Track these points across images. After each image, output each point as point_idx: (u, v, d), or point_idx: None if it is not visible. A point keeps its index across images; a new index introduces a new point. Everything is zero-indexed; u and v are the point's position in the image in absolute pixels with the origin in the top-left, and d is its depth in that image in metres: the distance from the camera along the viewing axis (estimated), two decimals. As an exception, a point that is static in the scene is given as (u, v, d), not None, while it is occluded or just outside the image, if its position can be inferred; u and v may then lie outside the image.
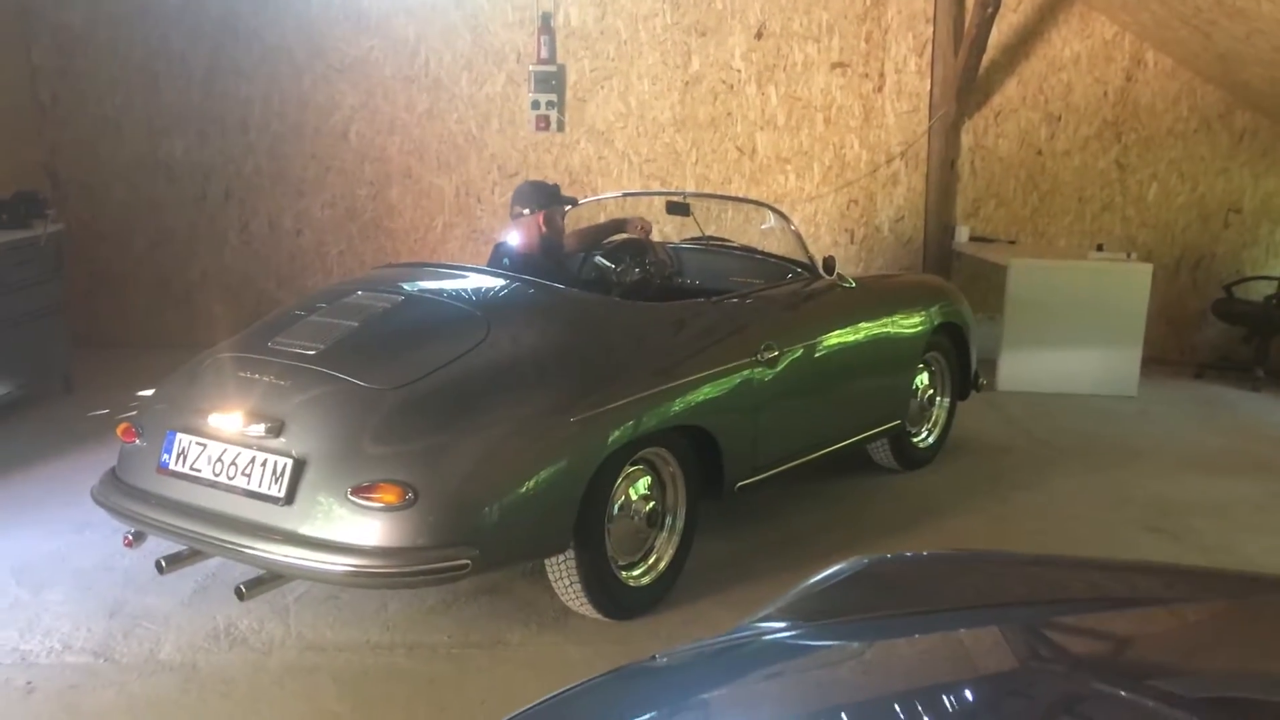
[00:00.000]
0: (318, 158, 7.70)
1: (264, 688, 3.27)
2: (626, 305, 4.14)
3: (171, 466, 3.43)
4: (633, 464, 3.67)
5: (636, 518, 3.73)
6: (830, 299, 4.73)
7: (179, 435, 3.45)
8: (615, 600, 3.64)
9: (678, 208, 5.28)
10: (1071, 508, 4.89)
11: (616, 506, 3.63)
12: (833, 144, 7.83)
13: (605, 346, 3.79)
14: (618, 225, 5.01)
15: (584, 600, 3.57)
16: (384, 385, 3.35)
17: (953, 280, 7.85)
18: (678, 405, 3.72)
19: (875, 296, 5.00)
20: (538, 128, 7.67)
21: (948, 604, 2.06)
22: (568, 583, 3.54)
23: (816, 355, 4.44)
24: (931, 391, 5.38)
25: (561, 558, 3.49)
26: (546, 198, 4.54)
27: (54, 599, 3.77)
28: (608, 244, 4.92)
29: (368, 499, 3.08)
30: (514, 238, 4.54)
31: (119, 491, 3.52)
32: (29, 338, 5.89)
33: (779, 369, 4.17)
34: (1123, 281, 6.86)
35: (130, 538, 3.52)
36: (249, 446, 3.29)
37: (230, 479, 3.29)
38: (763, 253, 5.20)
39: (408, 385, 3.35)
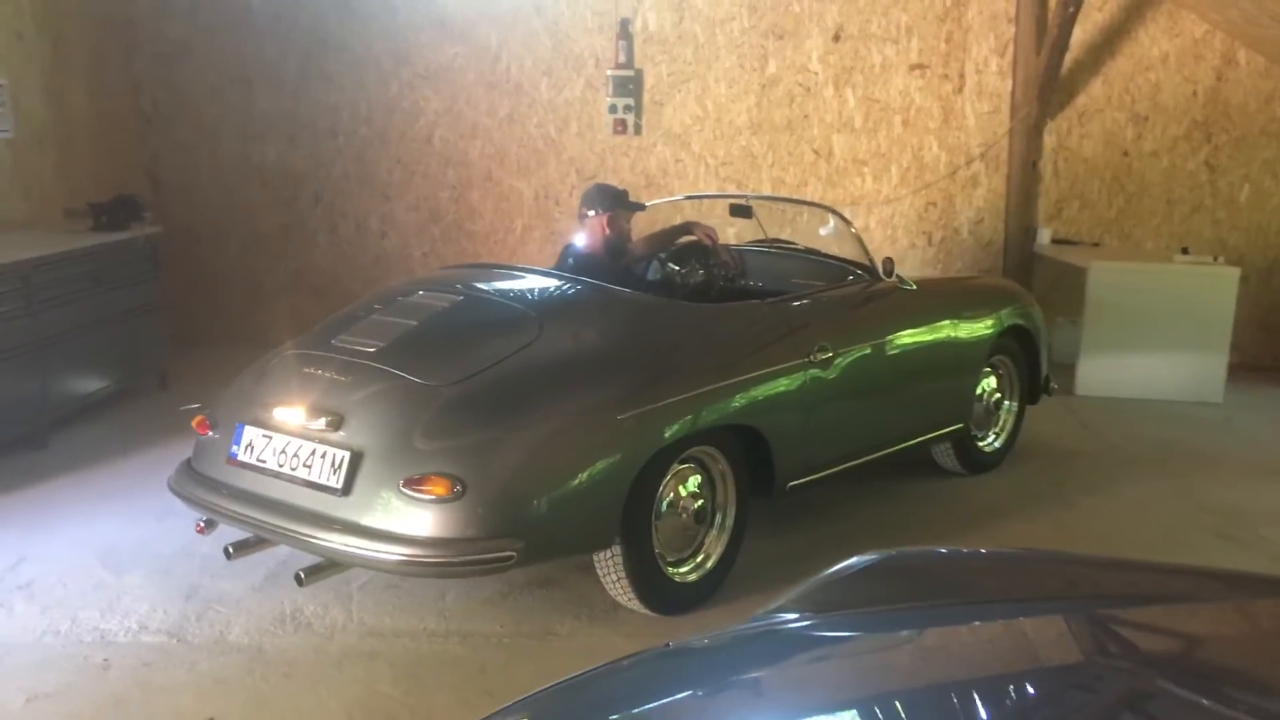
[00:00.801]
0: (403, 162, 7.93)
1: (324, 670, 3.43)
2: (677, 306, 4.21)
3: (240, 458, 3.61)
4: (682, 462, 3.74)
5: (685, 515, 3.79)
6: (888, 301, 4.73)
7: (247, 428, 3.63)
8: (662, 596, 3.71)
9: (740, 210, 5.32)
10: (1139, 513, 4.80)
11: (664, 504, 3.71)
12: (911, 146, 7.78)
13: (654, 346, 3.85)
14: (684, 229, 5.07)
15: (631, 595, 3.66)
16: (438, 382, 3.48)
17: (1034, 284, 7.76)
18: (726, 405, 3.78)
19: (936, 299, 4.98)
20: (615, 131, 7.78)
21: (972, 598, 2.07)
22: (615, 577, 3.63)
23: (872, 357, 4.44)
24: (999, 395, 5.33)
25: (609, 552, 3.57)
26: (611, 200, 4.65)
27: (134, 582, 3.99)
28: (673, 247, 5.00)
29: (419, 491, 3.21)
30: (580, 239, 4.66)
31: (192, 481, 3.72)
32: (127, 335, 6.19)
33: (833, 371, 4.21)
34: (1208, 285, 6.68)
35: (202, 525, 3.71)
36: (310, 439, 3.45)
37: (293, 470, 3.46)
38: (824, 255, 5.21)
39: (460, 382, 3.48)
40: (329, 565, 3.44)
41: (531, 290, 4.11)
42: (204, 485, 3.67)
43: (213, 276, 8.00)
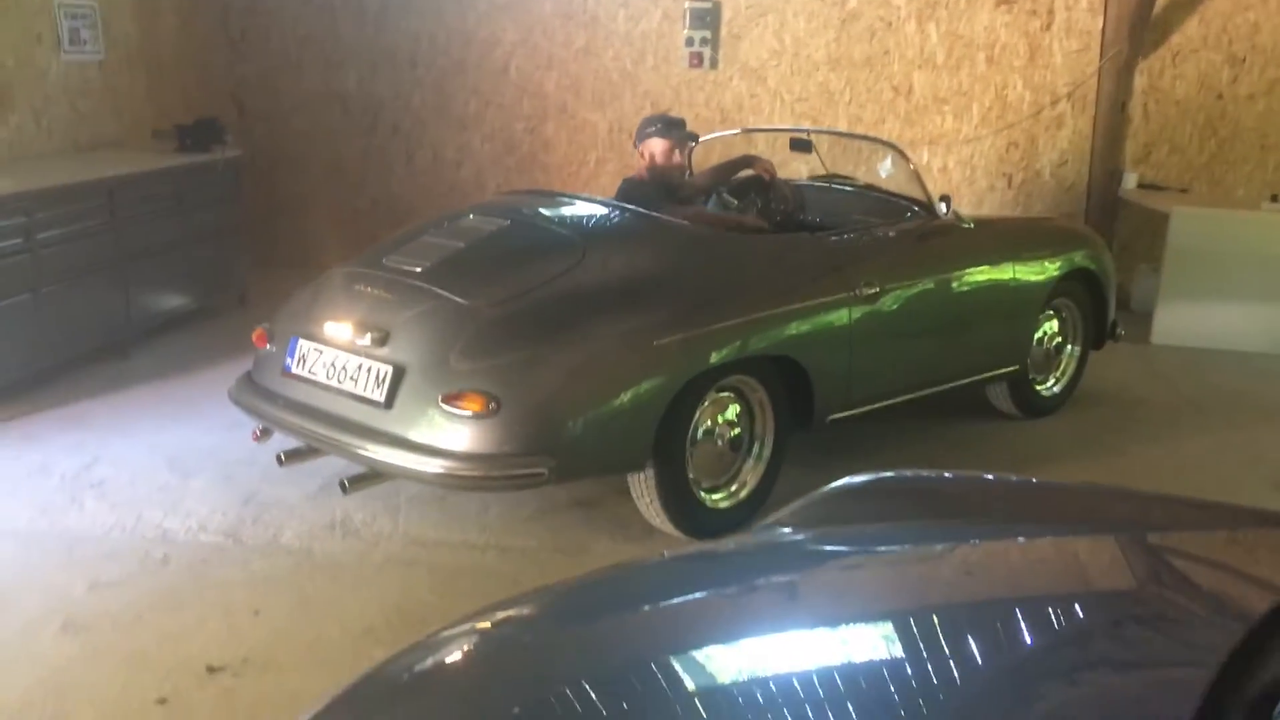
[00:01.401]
0: (479, 93, 7.99)
1: (367, 574, 3.58)
2: (719, 236, 4.22)
3: (293, 370, 3.77)
4: (721, 390, 3.79)
5: (721, 442, 3.84)
6: (942, 239, 4.67)
7: (300, 341, 3.79)
8: (694, 519, 3.78)
9: (800, 144, 5.28)
10: (1197, 462, 4.71)
11: (700, 430, 3.77)
12: (994, 84, 7.58)
13: (693, 275, 3.87)
14: (744, 162, 5.06)
15: (663, 517, 3.74)
16: (479, 302, 3.58)
17: (1117, 229, 7.56)
18: (765, 336, 3.81)
19: (994, 239, 4.91)
20: (691, 65, 7.73)
21: (970, 518, 2.08)
22: (648, 499, 3.72)
23: (922, 295, 4.41)
24: (1060, 339, 5.24)
25: (642, 474, 3.65)
26: (664, 126, 4.68)
27: (198, 486, 4.19)
28: (731, 181, 5.00)
29: (456, 406, 3.33)
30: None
31: (251, 391, 3.91)
32: (208, 254, 6.42)
33: (880, 306, 4.19)
34: (1296, 234, 6.44)
35: (258, 433, 3.89)
36: (357, 354, 3.58)
37: (340, 383, 3.60)
38: (882, 191, 5.14)
39: (500, 304, 3.57)
40: (372, 475, 3.57)
41: (578, 216, 4.19)
42: (261, 395, 3.84)
43: (294, 201, 8.21)
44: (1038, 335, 5.08)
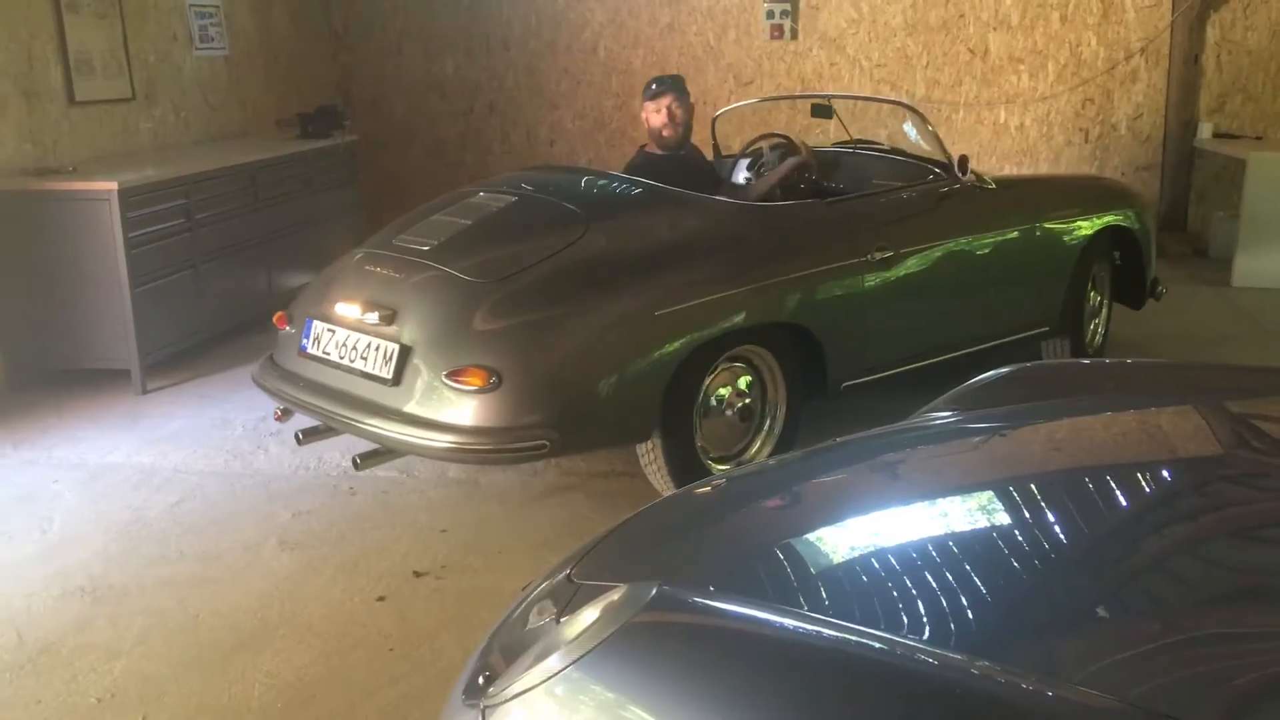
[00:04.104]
0: (569, 72, 8.39)
1: (532, 499, 3.99)
2: (725, 204, 4.18)
3: (309, 350, 3.85)
4: (734, 360, 3.85)
5: (730, 412, 3.88)
6: (960, 201, 4.58)
7: (315, 322, 3.86)
8: None
9: (821, 110, 5.29)
10: None
11: (710, 400, 3.82)
12: (1068, 42, 7.82)
13: (697, 244, 3.86)
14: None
15: (671, 487, 3.74)
16: (482, 278, 3.61)
17: (1193, 179, 7.78)
18: (773, 304, 3.83)
19: (1016, 200, 4.85)
20: (772, 36, 8.05)
21: (1108, 397, 2.36)
22: (655, 469, 3.78)
23: (939, 258, 4.37)
24: (1100, 299, 5.20)
25: (650, 444, 3.71)
26: (653, 89, 4.62)
27: (366, 430, 4.63)
28: (751, 148, 5.10)
29: (459, 382, 3.38)
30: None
31: (271, 372, 4.00)
32: (333, 233, 6.88)
33: (894, 271, 4.17)
34: (1375, 175, 6.63)
35: (280, 412, 3.98)
36: (366, 333, 3.64)
37: (351, 362, 3.66)
38: (903, 154, 5.06)
39: (503, 279, 3.60)
40: (384, 451, 3.66)
41: (583, 189, 4.25)
42: (279, 376, 3.93)
43: (397, 182, 8.66)
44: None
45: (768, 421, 3.98)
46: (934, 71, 8.00)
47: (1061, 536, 1.86)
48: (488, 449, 3.37)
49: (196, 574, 3.48)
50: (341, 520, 3.84)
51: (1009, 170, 7.96)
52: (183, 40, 6.56)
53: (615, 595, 1.53)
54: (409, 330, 3.54)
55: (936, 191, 4.57)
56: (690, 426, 3.72)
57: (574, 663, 1.43)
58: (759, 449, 3.97)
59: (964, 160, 4.63)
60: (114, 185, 4.92)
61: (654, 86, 4.63)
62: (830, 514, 2.06)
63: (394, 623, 3.19)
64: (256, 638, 3.12)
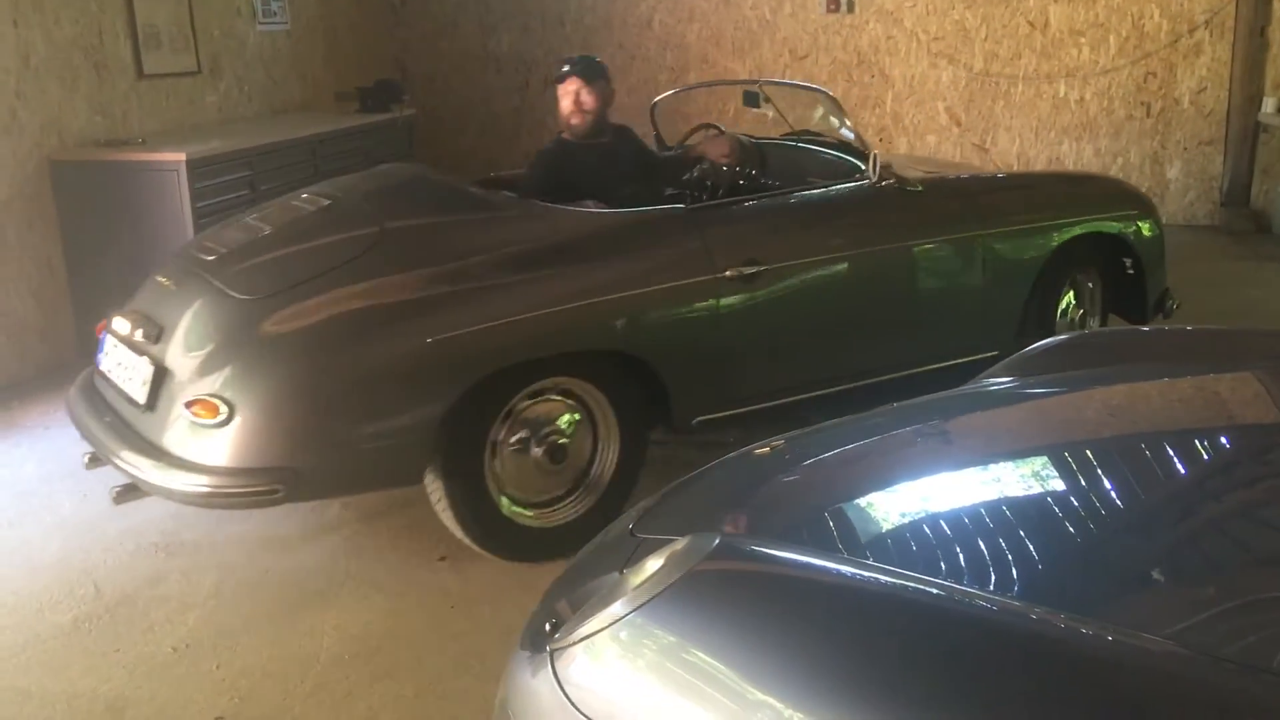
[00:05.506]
0: (624, 47, 8.41)
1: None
2: (538, 212, 3.56)
3: (102, 366, 3.42)
4: (547, 396, 3.33)
5: (539, 452, 3.31)
6: (869, 207, 3.96)
7: (108, 335, 3.40)
8: (504, 540, 3.32)
9: (750, 98, 4.76)
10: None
11: (514, 440, 3.28)
12: (1130, 14, 7.70)
13: (496, 259, 3.28)
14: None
15: (460, 532, 3.29)
16: (247, 295, 3.16)
17: (1257, 154, 7.64)
18: (588, 329, 3.31)
19: (945, 205, 4.14)
20: (828, 10, 8.01)
21: (1166, 363, 2.37)
22: (444, 511, 3.27)
23: (832, 274, 3.79)
24: (1082, 313, 4.52)
25: (435, 487, 3.22)
26: (560, 72, 4.04)
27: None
28: (689, 140, 4.70)
29: (194, 413, 2.94)
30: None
31: (80, 385, 3.54)
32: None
33: (764, 289, 3.58)
34: None
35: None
36: (134, 349, 3.23)
37: (121, 383, 3.25)
38: (832, 149, 4.40)
39: (267, 297, 3.13)
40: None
41: (400, 195, 3.74)
42: (84, 391, 3.50)
43: (452, 157, 8.74)
44: (1061, 308, 4.43)
45: (595, 465, 3.43)
46: (992, 44, 7.91)
47: (1117, 501, 1.89)
48: (209, 492, 2.92)
49: (265, 532, 3.59)
50: (383, 501, 3.91)
51: (1066, 145, 7.88)
52: (246, 15, 6.68)
53: (678, 545, 1.59)
54: (168, 350, 3.11)
55: (840, 196, 3.96)
56: (479, 468, 3.21)
57: (638, 609, 1.49)
58: (580, 496, 3.43)
59: (879, 162, 3.98)
60: (182, 156, 5.06)
61: (562, 69, 4.03)
62: (888, 475, 2.10)
63: (455, 582, 3.28)
64: (323, 593, 3.23)
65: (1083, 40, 7.79)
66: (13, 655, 2.96)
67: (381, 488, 3.36)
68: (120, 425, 3.17)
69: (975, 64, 7.89)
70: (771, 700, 1.29)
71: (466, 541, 3.30)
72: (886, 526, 1.86)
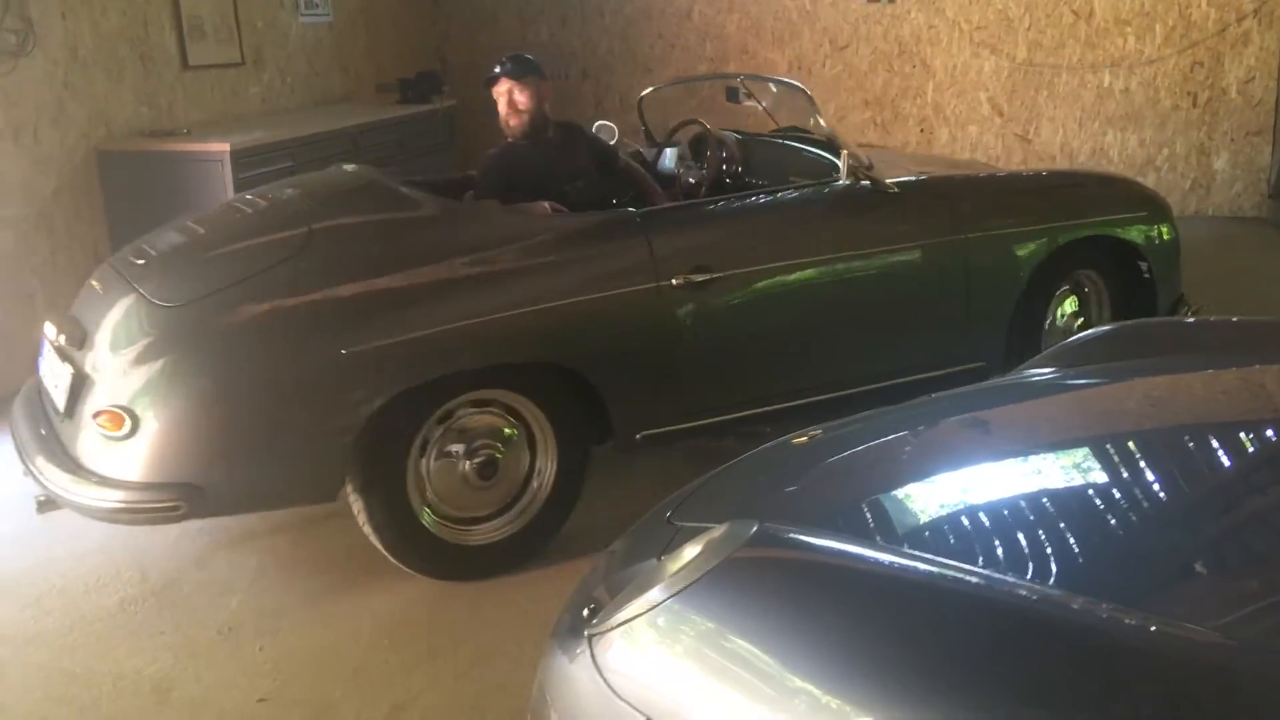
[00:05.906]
0: (663, 37, 8.40)
1: (627, 462, 3.96)
2: (473, 214, 3.48)
3: (40, 372, 3.38)
4: (489, 409, 3.21)
5: (467, 467, 3.19)
6: (838, 210, 3.79)
7: (46, 340, 3.31)
8: (430, 558, 3.21)
9: (732, 94, 4.64)
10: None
11: (434, 454, 3.16)
12: (1177, 3, 7.57)
13: (422, 265, 3.13)
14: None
15: (381, 549, 3.18)
16: (167, 302, 3.05)
17: (1307, 145, 7.49)
18: (517, 341, 3.15)
19: (921, 208, 3.94)
20: (869, -1, 7.96)
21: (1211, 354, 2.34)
22: (367, 529, 3.16)
23: (793, 280, 3.61)
24: (1083, 320, 4.28)
25: (354, 503, 3.12)
26: (491, 74, 3.92)
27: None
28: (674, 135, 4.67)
29: (100, 424, 2.89)
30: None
31: (27, 394, 3.48)
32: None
33: (715, 297, 3.43)
34: None
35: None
36: (59, 355, 3.16)
37: (50, 389, 3.20)
38: (810, 148, 4.22)
39: (186, 304, 3.03)
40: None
41: (335, 196, 3.62)
42: (25, 398, 3.46)
43: (491, 147, 8.77)
44: (1058, 316, 4.26)
45: (532, 482, 3.31)
46: (1036, 34, 7.82)
47: (1160, 493, 1.87)
48: (116, 507, 2.86)
49: (306, 521, 3.63)
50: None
51: (1110, 136, 7.78)
52: (289, 7, 6.74)
53: (716, 532, 1.59)
54: (88, 357, 3.03)
55: (805, 198, 3.80)
56: (399, 484, 3.08)
57: (675, 595, 1.50)
58: (511, 518, 3.29)
59: (854, 159, 3.81)
60: (226, 146, 5.13)
61: (494, 71, 3.90)
62: (926, 466, 2.10)
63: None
64: (364, 578, 3.27)
65: (1128, 29, 7.68)
66: (60, 637, 3.02)
67: (294, 504, 3.28)
68: (48, 434, 3.11)
69: (1018, 54, 7.81)
70: (809, 687, 1.29)
71: (388, 556, 3.19)
72: (924, 518, 1.86)
